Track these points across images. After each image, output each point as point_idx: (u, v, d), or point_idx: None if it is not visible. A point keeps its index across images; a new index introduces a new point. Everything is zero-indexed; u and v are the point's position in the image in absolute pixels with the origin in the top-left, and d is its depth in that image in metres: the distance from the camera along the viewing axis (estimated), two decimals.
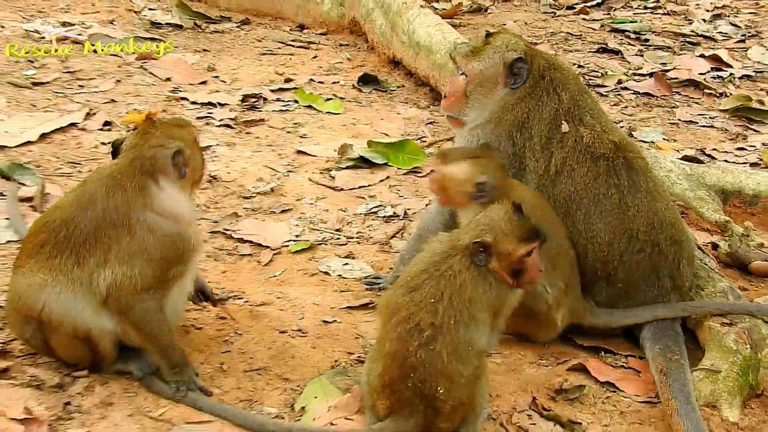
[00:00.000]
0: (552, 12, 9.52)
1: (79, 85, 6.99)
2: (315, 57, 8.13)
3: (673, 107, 7.29)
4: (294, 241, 5.20)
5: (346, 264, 5.01)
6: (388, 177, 6.00)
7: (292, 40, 8.50)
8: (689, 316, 4.47)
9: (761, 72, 8.10)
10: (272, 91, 7.22)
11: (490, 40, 4.62)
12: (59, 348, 3.89)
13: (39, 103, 6.58)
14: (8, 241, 4.88)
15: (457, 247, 3.65)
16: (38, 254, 3.82)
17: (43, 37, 7.82)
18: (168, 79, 7.31)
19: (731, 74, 7.93)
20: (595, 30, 9.00)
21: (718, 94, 7.55)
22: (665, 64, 8.10)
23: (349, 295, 4.75)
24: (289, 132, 6.57)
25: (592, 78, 7.75)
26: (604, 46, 8.52)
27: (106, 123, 6.36)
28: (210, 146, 6.12)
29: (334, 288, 4.81)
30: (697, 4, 9.92)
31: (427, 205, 5.58)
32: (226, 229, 5.24)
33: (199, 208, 5.43)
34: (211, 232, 5.20)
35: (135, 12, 8.75)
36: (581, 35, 8.83)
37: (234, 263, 4.97)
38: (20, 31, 7.84)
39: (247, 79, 7.43)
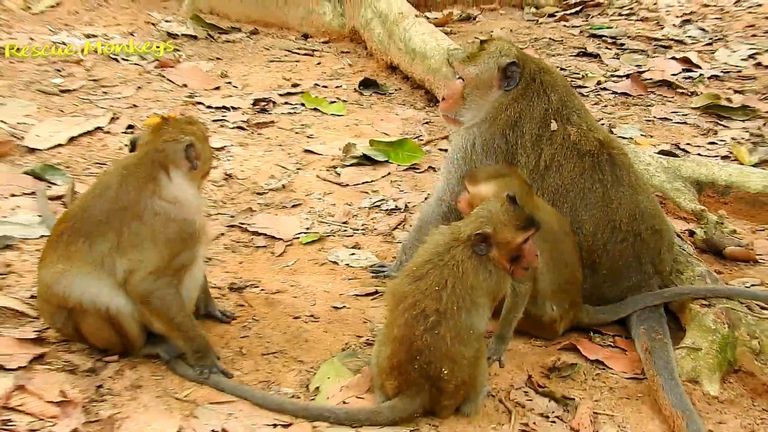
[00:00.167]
0: (535, 19, 9.44)
1: (103, 92, 6.91)
2: (319, 63, 8.06)
3: (649, 106, 7.23)
4: (304, 233, 5.14)
5: (353, 254, 4.96)
6: (389, 173, 5.94)
7: (298, 48, 8.42)
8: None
9: (728, 72, 8.05)
10: (280, 95, 7.15)
11: (484, 46, 4.57)
12: (89, 334, 3.83)
13: (67, 108, 6.51)
14: (41, 236, 4.81)
15: (459, 238, 3.60)
16: (58, 244, 3.77)
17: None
18: (184, 86, 7.23)
19: (701, 75, 7.88)
20: (575, 35, 8.93)
21: (689, 93, 7.50)
22: (640, 66, 8.04)
23: (356, 283, 4.69)
24: (297, 133, 6.50)
25: (573, 80, 7.69)
26: (583, 50, 8.45)
27: (129, 126, 6.29)
28: (225, 147, 6.06)
29: (343, 276, 4.75)
30: (668, 11, 9.85)
31: (425, 199, 5.52)
32: (242, 223, 5.18)
33: (216, 203, 5.37)
34: (228, 226, 5.14)
35: (153, 24, 8.67)
36: (562, 40, 8.76)
37: (250, 254, 4.91)
38: (48, 43, 7.75)
39: (257, 85, 7.35)
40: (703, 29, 9.24)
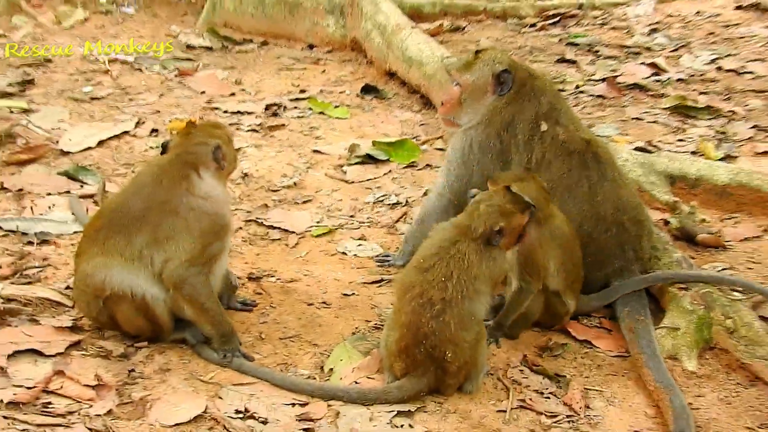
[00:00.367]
0: (517, 29, 9.30)
1: (129, 99, 6.79)
2: (324, 71, 7.93)
3: (623, 107, 7.11)
4: (315, 226, 5.03)
5: (360, 245, 4.85)
6: (390, 171, 5.83)
7: (304, 58, 8.29)
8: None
9: (692, 75, 7.92)
10: (290, 100, 7.03)
11: (479, 55, 4.49)
12: (123, 321, 3.75)
13: (96, 114, 6.39)
14: (75, 232, 4.71)
15: (466, 233, 3.52)
16: (96, 239, 3.69)
17: (97, 60, 7.60)
18: (203, 92, 7.11)
19: (668, 78, 7.75)
20: (554, 44, 8.80)
21: (659, 95, 7.37)
22: (614, 71, 7.90)
23: (364, 272, 4.59)
24: (306, 134, 6.38)
25: (554, 84, 7.55)
26: (562, 57, 8.32)
27: (153, 130, 6.17)
28: (241, 148, 5.93)
29: (351, 265, 4.65)
30: (637, 21, 9.71)
31: (424, 194, 5.42)
32: (258, 218, 5.07)
33: (235, 200, 5.26)
34: (245, 221, 5.02)
35: (173, 37, 8.52)
36: (543, 48, 8.63)
37: (266, 246, 4.80)
38: (78, 55, 7.62)
39: (269, 91, 7.23)
40: (668, 37, 9.10)
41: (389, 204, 5.34)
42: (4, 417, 3.25)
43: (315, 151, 6.06)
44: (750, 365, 3.83)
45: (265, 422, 3.34)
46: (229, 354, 3.70)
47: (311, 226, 5.02)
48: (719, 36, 9.21)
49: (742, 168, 5.56)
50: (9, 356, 3.58)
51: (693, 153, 6.16)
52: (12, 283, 4.13)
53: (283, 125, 6.50)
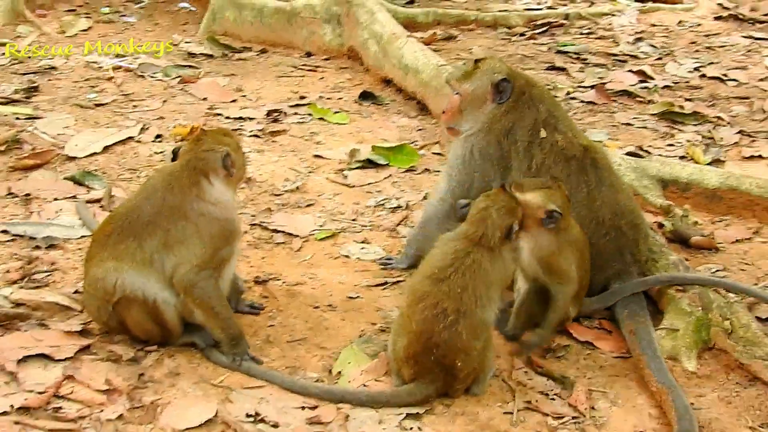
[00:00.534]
0: (507, 38, 9.20)
1: (133, 105, 6.64)
2: (322, 78, 7.80)
3: (613, 112, 7.03)
4: (318, 230, 4.91)
5: (363, 248, 4.74)
6: (390, 175, 5.71)
7: (302, 65, 8.15)
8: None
9: (677, 83, 7.85)
10: (290, 106, 6.89)
11: (479, 65, 4.39)
12: (133, 326, 3.63)
13: (101, 120, 6.24)
14: (82, 237, 4.58)
15: (480, 242, 3.42)
16: (106, 244, 3.58)
17: (101, 67, 7.45)
18: (205, 99, 6.96)
19: (655, 85, 7.67)
20: (543, 52, 8.71)
21: (646, 101, 7.29)
22: (602, 78, 7.81)
23: (367, 274, 4.47)
24: (306, 140, 6.26)
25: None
26: (552, 64, 8.23)
27: (158, 136, 6.03)
28: (244, 153, 5.79)
29: (355, 269, 4.53)
30: (621, 30, 9.62)
31: (424, 197, 5.31)
32: (263, 222, 4.95)
33: (239, 204, 5.13)
34: (250, 225, 4.90)
35: (174, 45, 8.36)
36: (533, 56, 8.54)
37: (271, 250, 4.68)
38: (83, 62, 7.46)
39: (269, 97, 7.10)
40: (653, 46, 9.02)
41: (390, 208, 5.23)
42: (16, 422, 3.13)
43: (316, 156, 5.94)
44: (749, 365, 3.74)
45: (276, 426, 3.24)
46: (239, 357, 3.59)
47: (315, 230, 4.90)
48: (701, 45, 9.16)
49: (732, 172, 5.49)
50: (19, 361, 3.46)
51: (682, 158, 6.09)
52: (21, 288, 4.00)
53: (284, 131, 6.38)
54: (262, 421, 3.25)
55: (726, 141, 6.44)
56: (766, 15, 10.17)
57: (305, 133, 6.37)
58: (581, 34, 9.46)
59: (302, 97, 7.13)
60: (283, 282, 4.33)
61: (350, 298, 4.22)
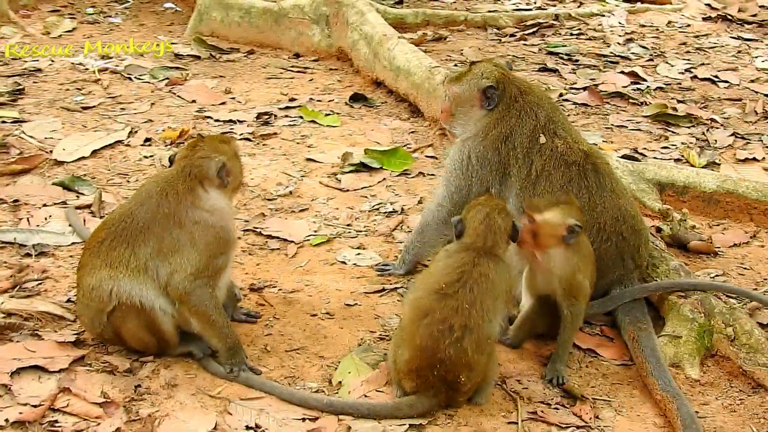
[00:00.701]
0: (498, 39, 9.17)
1: (121, 108, 6.56)
2: (311, 80, 7.74)
3: (606, 115, 7.03)
4: (313, 235, 4.86)
5: (359, 254, 4.70)
6: (384, 179, 5.67)
7: (291, 67, 8.08)
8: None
9: (669, 84, 7.87)
10: (280, 109, 6.83)
11: (471, 68, 4.37)
12: (129, 336, 3.58)
13: (89, 124, 6.16)
14: (73, 243, 4.51)
15: (490, 251, 3.40)
16: (99, 251, 3.52)
17: (87, 69, 7.35)
18: (193, 101, 6.89)
19: (647, 86, 7.68)
20: (534, 53, 8.70)
21: (639, 103, 7.30)
22: (594, 79, 7.81)
23: (364, 281, 4.44)
24: (298, 143, 6.21)
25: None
26: (543, 65, 8.22)
27: (147, 139, 5.96)
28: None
29: (351, 275, 4.49)
30: (611, 31, 9.63)
31: (419, 202, 5.28)
32: (256, 227, 4.90)
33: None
34: (244, 230, 4.84)
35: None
36: (524, 57, 8.52)
37: (265, 256, 4.63)
38: (68, 64, 7.37)
39: (259, 99, 7.03)
40: (644, 47, 9.04)
41: (385, 212, 5.19)
42: None
43: (308, 159, 5.89)
44: (752, 372, 3.75)
45: None
46: (236, 368, 3.55)
47: (309, 235, 4.85)
48: (691, 46, 9.19)
49: (729, 176, 5.50)
50: (12, 373, 3.39)
51: (677, 160, 6.10)
52: (12, 297, 3.93)
53: (275, 134, 6.32)
54: None
55: (720, 143, 6.46)
56: (754, 16, 10.24)
57: (296, 136, 6.32)
58: (571, 34, 9.46)
59: (292, 99, 7.08)
60: (279, 289, 4.29)
61: (348, 305, 4.18)
